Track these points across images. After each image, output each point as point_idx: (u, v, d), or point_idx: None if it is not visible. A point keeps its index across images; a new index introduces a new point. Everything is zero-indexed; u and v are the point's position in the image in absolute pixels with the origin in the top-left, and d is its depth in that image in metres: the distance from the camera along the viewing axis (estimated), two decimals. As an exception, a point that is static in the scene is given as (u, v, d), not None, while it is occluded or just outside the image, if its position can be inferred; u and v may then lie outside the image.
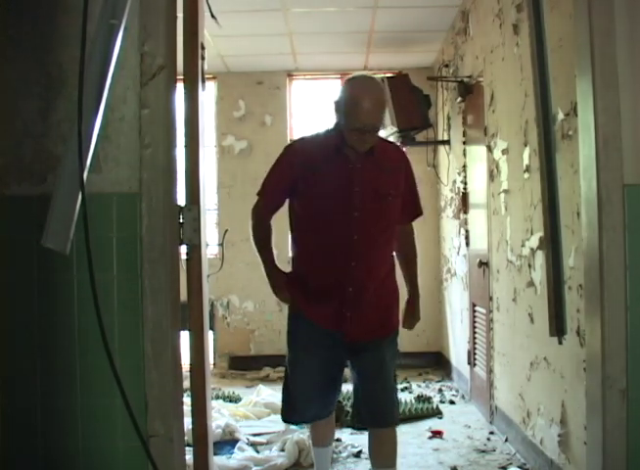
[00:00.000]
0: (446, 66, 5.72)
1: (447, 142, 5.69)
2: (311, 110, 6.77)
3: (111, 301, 2.12)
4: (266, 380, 5.99)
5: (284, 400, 2.93)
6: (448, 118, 5.65)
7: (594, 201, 2.22)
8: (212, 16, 2.76)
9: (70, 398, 2.13)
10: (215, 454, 3.39)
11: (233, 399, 5.12)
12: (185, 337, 2.27)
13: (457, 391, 5.36)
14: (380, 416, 2.74)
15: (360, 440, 4.05)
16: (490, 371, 4.35)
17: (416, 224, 2.97)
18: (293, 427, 4.01)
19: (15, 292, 2.15)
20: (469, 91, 4.90)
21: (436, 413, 4.69)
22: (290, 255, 2.94)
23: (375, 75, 2.90)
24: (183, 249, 2.27)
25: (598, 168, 2.20)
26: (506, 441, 3.98)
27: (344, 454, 3.82)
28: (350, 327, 2.70)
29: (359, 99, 2.56)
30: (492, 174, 4.24)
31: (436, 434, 4.14)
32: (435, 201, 6.38)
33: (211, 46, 5.61)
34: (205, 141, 2.45)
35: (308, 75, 6.85)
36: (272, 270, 2.85)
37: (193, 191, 2.25)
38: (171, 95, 2.20)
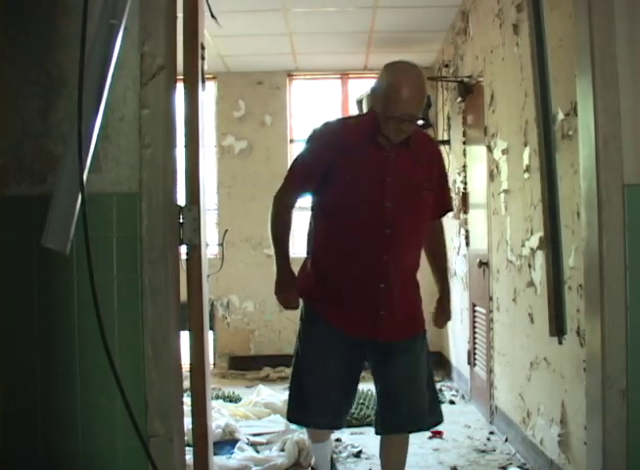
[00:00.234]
0: (446, 66, 5.72)
1: (447, 142, 5.68)
2: (311, 110, 6.77)
3: (111, 301, 2.12)
4: (266, 380, 5.98)
5: (294, 401, 2.73)
6: (448, 118, 5.65)
7: (594, 201, 2.22)
8: (212, 16, 2.76)
9: (70, 398, 2.13)
10: (215, 454, 3.39)
11: (233, 399, 5.12)
12: (185, 337, 2.27)
13: (457, 391, 5.35)
14: (416, 421, 2.65)
15: (360, 440, 4.05)
16: (490, 371, 4.35)
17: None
18: (293, 427, 4.01)
19: (15, 292, 2.15)
20: (469, 91, 4.90)
21: (437, 413, 4.69)
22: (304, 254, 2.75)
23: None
24: (183, 249, 2.27)
25: (598, 168, 2.20)
26: (506, 441, 3.98)
27: (344, 454, 3.82)
28: (386, 326, 2.56)
29: (400, 86, 2.41)
30: (492, 174, 4.24)
31: (436, 434, 4.14)
32: (436, 201, 6.36)
33: (211, 46, 5.61)
34: (205, 141, 2.45)
35: (308, 75, 6.85)
36: (285, 266, 2.66)
37: (193, 191, 2.25)
38: (171, 95, 2.20)
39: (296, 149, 6.68)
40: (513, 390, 3.86)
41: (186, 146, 2.26)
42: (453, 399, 5.12)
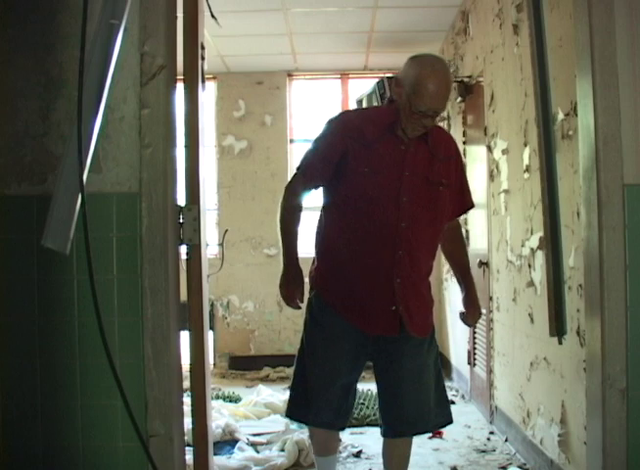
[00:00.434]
0: (446, 66, 5.72)
1: (447, 142, 5.67)
2: (311, 110, 6.78)
3: (111, 301, 2.12)
4: (266, 380, 5.98)
5: (295, 397, 2.65)
6: (448, 118, 5.65)
7: (594, 201, 2.22)
8: (212, 16, 2.76)
9: (71, 398, 2.13)
10: (215, 454, 3.39)
11: (233, 399, 5.12)
12: (185, 337, 2.27)
13: (457, 391, 5.35)
14: (420, 423, 2.61)
15: (360, 440, 4.05)
16: (490, 371, 4.35)
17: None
18: (293, 427, 4.02)
19: (15, 292, 2.15)
20: (469, 91, 4.91)
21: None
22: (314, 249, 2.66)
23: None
24: (183, 249, 2.27)
25: (598, 168, 2.20)
26: (506, 441, 3.98)
27: (344, 454, 3.82)
28: (398, 323, 2.49)
29: (427, 80, 2.34)
30: (492, 174, 4.24)
31: (436, 434, 4.14)
32: (435, 201, 6.36)
33: (211, 46, 5.61)
34: (205, 141, 2.45)
35: (308, 75, 6.85)
36: (292, 260, 2.57)
37: (193, 191, 2.25)
38: (171, 95, 2.20)
39: (296, 149, 6.69)
40: (513, 390, 3.86)
41: (186, 146, 2.26)
42: (453, 399, 5.12)
